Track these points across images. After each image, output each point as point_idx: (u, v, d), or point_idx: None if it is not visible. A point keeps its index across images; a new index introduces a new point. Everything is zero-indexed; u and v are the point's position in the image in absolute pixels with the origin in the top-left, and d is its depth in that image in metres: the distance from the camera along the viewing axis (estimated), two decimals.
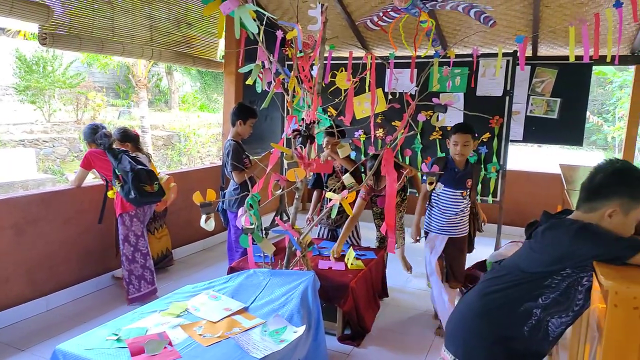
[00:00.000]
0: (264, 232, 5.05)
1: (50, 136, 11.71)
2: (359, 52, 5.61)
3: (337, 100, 3.62)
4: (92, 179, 3.96)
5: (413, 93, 5.01)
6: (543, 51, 5.45)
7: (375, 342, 3.21)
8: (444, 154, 5.26)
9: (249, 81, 2.84)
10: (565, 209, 1.80)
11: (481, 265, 3.71)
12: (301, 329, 2.28)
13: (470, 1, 3.59)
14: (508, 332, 1.58)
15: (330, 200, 2.65)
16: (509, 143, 4.99)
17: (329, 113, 5.38)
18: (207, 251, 5.11)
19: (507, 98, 4.81)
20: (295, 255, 2.94)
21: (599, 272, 1.25)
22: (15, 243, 3.29)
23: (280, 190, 2.94)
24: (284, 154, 2.65)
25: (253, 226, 2.67)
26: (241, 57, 3.77)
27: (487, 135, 4.92)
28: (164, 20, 4.51)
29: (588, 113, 12.55)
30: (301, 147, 2.74)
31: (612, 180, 1.46)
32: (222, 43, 5.55)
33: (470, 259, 3.55)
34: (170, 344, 2.10)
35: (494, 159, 4.91)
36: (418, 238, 3.44)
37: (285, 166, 2.62)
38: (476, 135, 3.18)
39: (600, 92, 17.01)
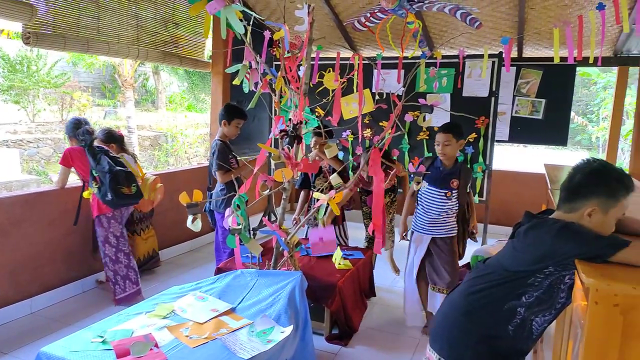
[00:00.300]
0: (251, 232, 5.05)
1: (35, 136, 11.55)
2: (346, 53, 5.62)
3: (325, 100, 3.63)
4: (77, 179, 3.92)
5: (400, 94, 5.04)
6: (528, 52, 5.52)
7: (363, 342, 3.23)
8: (431, 154, 5.30)
9: (236, 81, 2.83)
10: (548, 208, 1.82)
11: (469, 265, 3.73)
12: (288, 329, 2.28)
13: (457, 3, 3.62)
14: (492, 331, 1.60)
15: (318, 200, 2.66)
16: (495, 143, 5.05)
17: (316, 113, 5.39)
18: (195, 252, 5.08)
19: (493, 99, 4.87)
20: (283, 255, 2.94)
21: (581, 270, 1.28)
22: None
23: (268, 190, 2.93)
24: (271, 154, 2.65)
25: (240, 227, 2.66)
26: (229, 57, 3.76)
27: (474, 135, 4.97)
28: (151, 20, 4.48)
29: (573, 113, 12.74)
30: (288, 148, 2.74)
31: (590, 180, 1.49)
32: (209, 43, 5.53)
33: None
34: (156, 345, 2.09)
35: (480, 159, 4.97)
36: (405, 234, 3.46)
37: (273, 166, 2.62)
38: (460, 135, 3.14)
39: (584, 93, 17.25)
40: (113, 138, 4.02)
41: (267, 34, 3.39)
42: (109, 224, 3.61)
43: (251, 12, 2.38)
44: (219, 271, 3.31)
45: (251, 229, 5.19)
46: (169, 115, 15.46)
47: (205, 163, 5.19)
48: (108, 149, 3.72)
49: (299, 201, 4.18)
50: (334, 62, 4.79)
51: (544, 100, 5.30)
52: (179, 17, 4.80)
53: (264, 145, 2.59)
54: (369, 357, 3.06)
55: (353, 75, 3.21)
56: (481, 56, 4.51)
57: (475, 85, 5.01)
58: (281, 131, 2.79)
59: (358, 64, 4.13)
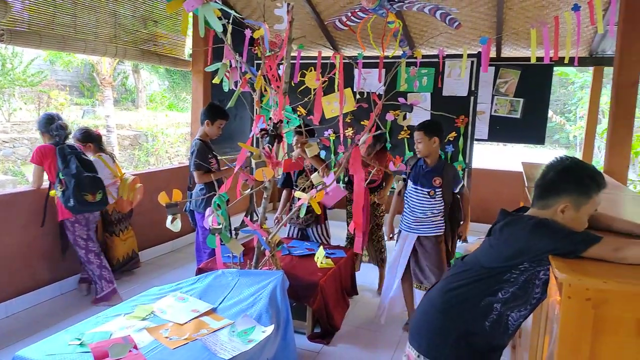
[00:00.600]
0: (233, 232, 5.03)
1: (11, 136, 11.28)
2: (328, 52, 5.63)
3: (306, 99, 3.63)
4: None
5: (380, 93, 5.08)
6: (507, 52, 5.60)
7: (345, 340, 3.24)
8: (412, 153, 5.34)
9: (216, 80, 2.81)
10: (523, 206, 1.85)
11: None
12: (270, 329, 2.27)
13: (436, 3, 3.66)
14: (470, 327, 1.62)
15: (300, 199, 2.65)
16: (474, 142, 5.11)
17: (298, 112, 5.39)
18: (176, 252, 5.03)
19: (472, 98, 4.93)
20: (265, 255, 2.93)
21: (554, 265, 1.30)
22: None
23: (249, 190, 2.92)
24: (252, 153, 2.64)
25: (220, 226, 2.65)
26: (209, 55, 3.73)
27: (453, 134, 5.03)
28: (129, 17, 4.41)
29: (551, 112, 12.98)
30: (269, 147, 2.73)
31: (562, 177, 1.52)
32: (189, 41, 5.48)
33: None
34: (135, 347, 2.06)
35: (460, 157, 5.02)
36: (392, 235, 3.43)
37: (253, 166, 2.61)
38: (433, 132, 3.11)
39: (562, 92, 17.58)
40: (90, 137, 3.95)
41: (247, 32, 3.37)
42: (74, 228, 3.56)
43: (230, 10, 2.37)
44: (199, 271, 3.28)
45: (233, 228, 5.16)
46: (150, 114, 15.26)
47: (185, 163, 5.16)
48: (81, 150, 3.66)
49: (281, 200, 4.16)
50: (316, 61, 4.80)
51: (522, 100, 5.39)
52: (158, 14, 4.74)
53: (245, 144, 2.57)
54: (351, 355, 3.07)
55: (334, 74, 3.21)
56: (461, 56, 4.57)
57: (455, 84, 5.07)
58: (261, 130, 2.78)
59: (339, 63, 4.13)
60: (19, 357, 1.99)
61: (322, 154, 5.58)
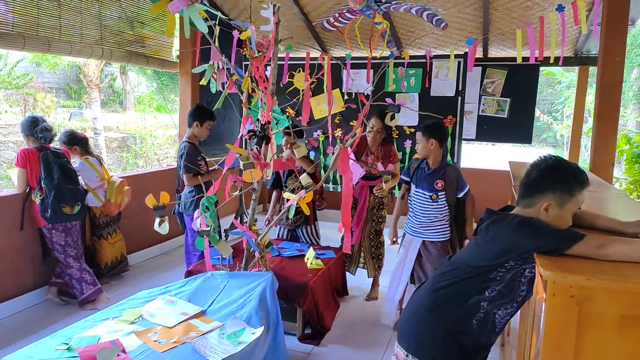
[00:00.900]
0: (223, 234, 5.01)
1: None
2: (316, 53, 5.64)
3: (295, 100, 3.64)
4: None
5: (369, 93, 5.09)
6: (493, 53, 5.65)
7: (336, 341, 3.24)
8: (400, 153, 5.37)
9: (203, 82, 2.81)
10: (509, 205, 1.87)
11: None
12: (259, 330, 2.27)
13: (423, 4, 3.68)
14: (457, 326, 1.64)
15: (288, 200, 2.65)
16: (463, 142, 5.15)
17: (287, 113, 5.39)
18: (165, 255, 5.00)
19: (460, 98, 4.97)
20: (254, 256, 2.92)
21: (539, 263, 1.32)
22: None
23: (238, 191, 2.91)
24: (240, 154, 2.64)
25: (209, 228, 2.64)
26: (197, 57, 3.72)
27: None
28: (115, 19, 4.38)
29: (538, 112, 13.13)
30: (257, 148, 2.73)
31: (545, 176, 1.54)
32: (177, 42, 5.45)
33: None
34: (123, 351, 2.05)
35: (449, 157, 5.06)
36: (395, 239, 3.36)
37: (241, 167, 2.60)
38: (431, 134, 3.05)
39: (549, 91, 17.77)
40: (76, 140, 3.92)
41: (235, 33, 3.37)
42: (51, 235, 3.54)
43: (216, 12, 2.36)
44: (189, 274, 3.27)
45: (223, 230, 5.15)
46: (138, 116, 15.14)
47: (174, 165, 5.13)
48: (66, 156, 3.64)
49: (271, 201, 4.16)
50: (304, 62, 4.81)
51: (508, 100, 5.44)
52: (144, 16, 4.71)
53: (232, 146, 2.57)
54: (341, 355, 3.07)
55: (322, 75, 3.22)
56: (448, 56, 4.60)
57: (443, 85, 5.11)
58: (249, 131, 2.77)
59: (327, 64, 4.14)
60: None
61: (312, 154, 5.58)
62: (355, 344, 3.21)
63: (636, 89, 11.73)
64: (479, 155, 12.52)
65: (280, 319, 2.61)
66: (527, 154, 14.99)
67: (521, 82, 5.37)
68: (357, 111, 4.66)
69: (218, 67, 2.84)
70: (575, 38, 5.18)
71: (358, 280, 4.20)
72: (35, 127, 3.45)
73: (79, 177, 3.76)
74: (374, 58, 4.06)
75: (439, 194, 3.10)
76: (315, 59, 4.38)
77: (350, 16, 3.44)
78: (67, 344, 2.09)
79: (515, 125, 5.45)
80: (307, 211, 2.65)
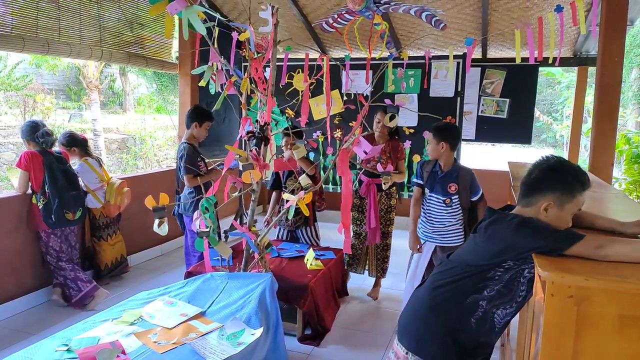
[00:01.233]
0: (223, 235, 5.01)
1: None
2: (315, 54, 5.64)
3: (294, 101, 3.64)
4: None
5: (368, 94, 5.10)
6: (492, 53, 5.66)
7: (336, 341, 3.24)
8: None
9: (202, 83, 2.81)
10: (509, 204, 1.87)
11: None
12: (259, 331, 2.27)
13: (422, 5, 3.69)
14: (456, 324, 1.64)
15: (288, 201, 2.65)
16: (462, 142, 5.15)
17: (287, 114, 5.39)
18: (165, 256, 5.00)
19: (459, 99, 4.97)
20: (254, 257, 2.92)
21: (537, 263, 1.32)
22: None
23: (237, 192, 2.92)
24: (239, 156, 2.64)
25: (208, 229, 2.64)
26: (196, 58, 3.72)
27: None
28: (114, 21, 4.38)
29: (538, 112, 13.14)
30: (256, 149, 2.73)
31: (546, 176, 1.54)
32: (176, 44, 5.46)
33: None
34: (123, 352, 2.05)
35: None
36: (419, 247, 3.17)
37: (240, 168, 2.60)
38: (443, 137, 2.96)
39: (549, 92, 17.77)
40: (75, 141, 3.93)
41: (234, 35, 3.37)
42: (49, 239, 3.56)
43: (215, 13, 2.37)
44: (188, 275, 3.27)
45: (223, 231, 5.15)
46: (138, 118, 15.15)
47: (174, 166, 5.14)
48: (66, 159, 3.67)
49: (270, 202, 4.16)
50: (303, 63, 4.81)
51: (508, 100, 5.44)
52: (144, 17, 4.72)
53: (231, 147, 2.57)
54: (341, 356, 3.07)
55: (321, 76, 3.22)
56: (447, 57, 4.61)
57: (442, 85, 5.11)
58: (248, 132, 2.77)
59: (326, 65, 4.14)
60: None
61: (311, 155, 5.59)
62: (356, 345, 3.21)
63: (635, 89, 11.74)
64: (478, 156, 12.52)
65: (280, 320, 2.61)
66: (527, 154, 15.02)
67: (520, 82, 5.37)
68: (357, 112, 4.68)
69: (217, 69, 2.85)
70: (574, 38, 5.18)
71: (358, 280, 4.20)
72: (36, 132, 3.46)
73: (79, 179, 3.77)
74: (373, 59, 4.07)
75: (452, 198, 3.03)
76: (314, 60, 4.40)
77: (349, 17, 3.45)
78: (67, 345, 2.09)
79: (514, 125, 5.45)
80: (306, 212, 2.65)
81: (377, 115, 3.69)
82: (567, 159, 1.64)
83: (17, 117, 12.72)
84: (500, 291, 1.57)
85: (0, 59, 12.33)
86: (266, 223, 3.90)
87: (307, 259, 3.47)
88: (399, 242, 4.18)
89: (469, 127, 5.54)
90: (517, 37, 3.14)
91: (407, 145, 5.52)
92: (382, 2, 3.22)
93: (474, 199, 3.09)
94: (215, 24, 2.55)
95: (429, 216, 3.11)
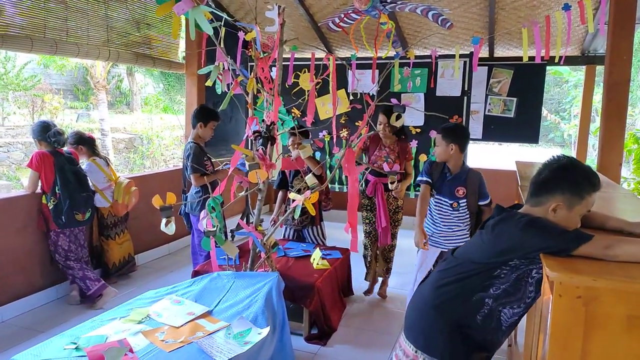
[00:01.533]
0: (229, 234, 5.02)
1: (5, 140, 11.25)
2: (321, 54, 5.64)
3: (300, 100, 3.65)
4: None
5: (374, 93, 5.09)
6: (499, 52, 5.63)
7: (342, 341, 3.24)
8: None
9: (208, 83, 2.82)
10: (517, 203, 1.86)
11: None
12: (265, 330, 2.28)
13: (428, 4, 3.67)
14: (462, 320, 1.64)
15: (294, 200, 2.66)
16: (469, 141, 5.12)
17: (292, 114, 5.40)
18: (172, 255, 5.02)
19: (466, 98, 4.95)
20: (260, 256, 2.93)
21: (545, 264, 1.31)
22: None
23: (244, 192, 2.92)
24: (245, 155, 2.64)
25: (215, 229, 2.65)
26: (203, 58, 3.73)
27: None
28: (122, 21, 4.41)
29: (546, 111, 13.05)
30: (263, 149, 2.74)
31: (555, 176, 1.52)
32: (183, 44, 5.48)
33: None
34: (131, 350, 2.06)
35: None
36: (425, 241, 3.01)
37: (247, 168, 2.61)
38: (452, 138, 2.87)
39: (557, 91, 17.65)
40: (82, 140, 3.96)
41: (241, 34, 3.38)
42: (58, 239, 3.59)
43: (221, 13, 2.37)
44: (195, 274, 3.29)
45: (230, 231, 5.16)
46: (145, 117, 15.24)
47: (180, 165, 5.17)
48: (77, 161, 3.72)
49: (277, 202, 4.17)
50: (309, 62, 4.82)
51: (515, 99, 5.41)
52: (151, 17, 4.74)
53: (238, 146, 2.58)
54: (348, 356, 3.08)
55: (327, 75, 3.22)
56: (454, 56, 4.59)
57: (448, 84, 5.09)
58: (254, 132, 2.78)
59: (332, 64, 4.14)
60: None
61: (317, 155, 5.59)
62: (362, 344, 3.21)
63: None
64: (485, 155, 12.47)
65: (286, 319, 2.61)
66: (534, 153, 14.94)
67: (528, 81, 5.34)
68: (363, 111, 4.69)
69: (224, 68, 2.86)
70: (582, 37, 5.15)
71: (364, 280, 4.19)
72: (47, 132, 3.50)
73: (89, 182, 3.80)
74: (379, 58, 4.06)
75: (460, 201, 2.93)
76: (320, 59, 4.41)
77: (355, 16, 3.44)
78: (75, 343, 2.11)
79: (522, 124, 5.42)
80: (312, 212, 2.66)
81: (379, 117, 3.66)
82: (576, 158, 1.62)
83: (26, 117, 12.84)
84: (506, 290, 1.56)
85: (9, 60, 12.45)
86: (272, 222, 3.91)
87: (314, 259, 3.47)
88: (405, 241, 4.17)
89: (475, 127, 5.52)
90: (524, 36, 3.12)
91: (414, 144, 5.51)
92: (388, 1, 3.21)
93: (482, 203, 3.01)
94: (222, 23, 2.56)
95: (436, 219, 3.02)
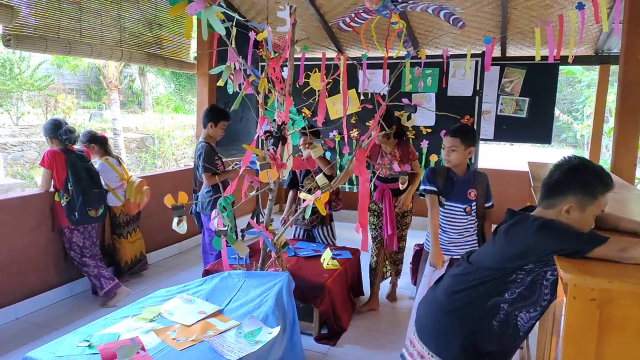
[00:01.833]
0: (240, 234, 5.04)
1: (19, 140, 11.41)
2: (332, 53, 5.64)
3: (311, 100, 3.65)
4: None
5: (385, 93, 5.07)
6: (511, 52, 5.58)
7: (352, 341, 3.24)
8: (417, 153, 5.33)
9: (220, 82, 2.83)
10: (529, 205, 1.85)
11: None
12: (276, 330, 2.28)
13: (440, 3, 3.65)
14: (477, 326, 1.62)
15: (305, 200, 2.66)
16: (480, 142, 5.10)
17: (303, 114, 5.41)
18: (183, 254, 5.06)
19: (477, 98, 4.92)
20: (270, 256, 2.94)
21: (559, 266, 1.30)
22: None
23: (255, 191, 2.93)
24: (256, 155, 2.65)
25: (226, 228, 2.66)
26: (214, 58, 3.75)
27: None
28: (134, 21, 4.45)
29: (558, 111, 12.92)
30: (273, 149, 2.74)
31: (567, 177, 1.50)
32: (194, 44, 5.51)
33: None
34: (143, 349, 2.08)
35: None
36: (443, 260, 2.78)
37: (257, 167, 2.62)
38: (471, 141, 2.73)
39: (569, 90, 17.47)
40: (95, 139, 4.01)
41: (252, 34, 3.39)
42: (72, 235, 3.63)
43: (233, 13, 2.38)
44: (206, 273, 3.30)
45: (240, 230, 5.18)
46: (156, 117, 15.36)
47: (192, 165, 5.21)
48: (88, 158, 3.76)
49: (287, 201, 4.18)
50: (320, 62, 4.82)
51: (527, 99, 5.37)
52: (162, 18, 4.78)
53: (249, 146, 2.59)
54: (358, 356, 3.07)
55: (338, 75, 3.22)
56: (465, 56, 4.56)
57: (460, 84, 5.06)
58: (266, 132, 2.79)
59: (343, 64, 4.14)
60: (29, 359, 2.02)
61: (327, 155, 5.59)
62: (372, 345, 3.21)
63: None
64: (496, 156, 12.37)
65: (296, 319, 2.62)
66: (547, 154, 14.79)
67: (540, 81, 5.29)
68: (374, 111, 4.67)
69: (235, 68, 2.87)
70: (595, 36, 5.08)
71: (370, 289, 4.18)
72: (59, 130, 3.54)
73: (101, 180, 3.84)
74: (390, 58, 4.06)
75: (472, 205, 2.79)
76: (331, 59, 4.41)
77: (366, 16, 3.44)
78: (88, 340, 2.13)
79: (534, 125, 5.37)
80: (323, 212, 2.65)
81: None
82: (588, 159, 1.60)
83: (40, 117, 13.01)
84: (522, 294, 1.54)
85: (23, 60, 12.63)
86: (283, 222, 3.91)
87: (324, 259, 3.47)
88: (413, 242, 4.14)
89: (487, 127, 5.48)
90: (537, 35, 3.09)
91: (425, 144, 5.49)
92: (399, 0, 3.20)
93: (487, 205, 2.89)
94: (234, 24, 2.57)
95: (445, 227, 2.84)
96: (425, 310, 1.81)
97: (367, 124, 5.47)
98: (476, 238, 2.87)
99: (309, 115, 5.67)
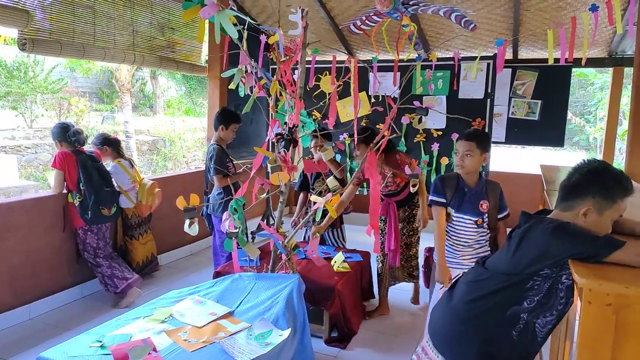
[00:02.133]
0: (250, 236, 5.06)
1: (33, 142, 11.56)
2: (343, 56, 5.64)
3: (322, 103, 3.66)
4: None
5: (396, 96, 5.06)
6: (523, 54, 5.54)
7: (362, 344, 3.23)
8: (427, 156, 5.31)
9: (232, 86, 2.85)
10: (544, 208, 1.83)
11: None
12: (287, 332, 2.28)
13: (452, 5, 3.64)
14: (494, 335, 1.59)
15: (315, 203, 2.66)
16: (492, 145, 5.05)
17: (313, 116, 5.41)
18: (194, 256, 5.08)
19: (489, 100, 4.88)
20: (281, 258, 2.94)
21: (574, 270, 1.28)
22: None
23: (265, 194, 2.94)
24: (268, 157, 2.66)
25: (237, 230, 2.67)
26: (225, 61, 3.78)
27: None
28: (147, 25, 4.49)
29: (570, 114, 12.79)
30: (284, 151, 2.75)
31: (586, 180, 1.48)
32: (206, 47, 5.54)
33: None
34: (154, 349, 2.09)
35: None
36: (450, 277, 2.60)
37: (269, 170, 2.63)
38: (486, 147, 2.60)
39: (581, 93, 17.29)
40: (107, 141, 4.05)
41: (263, 38, 3.40)
42: (86, 236, 3.66)
43: (245, 17, 2.40)
44: (217, 275, 3.32)
45: (250, 232, 5.20)
46: (167, 120, 15.49)
47: (202, 167, 5.24)
48: (99, 160, 3.80)
49: (298, 204, 4.18)
50: (331, 65, 4.82)
51: (539, 102, 5.32)
52: (175, 21, 4.82)
53: (260, 148, 2.59)
54: (368, 359, 3.06)
55: (349, 78, 3.22)
56: (476, 58, 4.54)
57: (471, 87, 5.03)
58: (277, 134, 2.80)
59: (353, 67, 4.14)
60: (42, 358, 2.04)
61: (338, 157, 5.58)
62: (382, 349, 3.19)
63: None
64: (508, 159, 12.27)
65: (307, 322, 2.61)
66: (559, 157, 14.62)
67: (553, 83, 5.24)
68: (384, 114, 4.66)
69: (246, 71, 2.88)
70: (609, 38, 5.03)
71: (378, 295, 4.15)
72: (67, 132, 3.59)
73: (113, 180, 3.88)
74: (401, 61, 4.04)
75: (484, 217, 2.62)
76: (342, 62, 4.41)
77: (377, 19, 3.44)
78: (100, 341, 2.15)
79: (546, 127, 5.32)
80: (334, 214, 2.65)
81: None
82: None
83: (53, 119, 13.18)
84: (540, 302, 1.51)
85: (37, 63, 12.81)
86: (293, 224, 3.92)
87: (335, 262, 3.47)
88: (424, 244, 4.11)
89: (498, 130, 5.44)
90: (550, 38, 3.07)
91: (435, 147, 5.45)
92: (410, 3, 3.19)
93: (500, 215, 2.71)
94: (245, 27, 2.59)
95: (455, 240, 2.69)
96: (440, 317, 1.78)
97: (377, 126, 5.46)
98: (489, 249, 2.72)
99: (320, 118, 5.67)
